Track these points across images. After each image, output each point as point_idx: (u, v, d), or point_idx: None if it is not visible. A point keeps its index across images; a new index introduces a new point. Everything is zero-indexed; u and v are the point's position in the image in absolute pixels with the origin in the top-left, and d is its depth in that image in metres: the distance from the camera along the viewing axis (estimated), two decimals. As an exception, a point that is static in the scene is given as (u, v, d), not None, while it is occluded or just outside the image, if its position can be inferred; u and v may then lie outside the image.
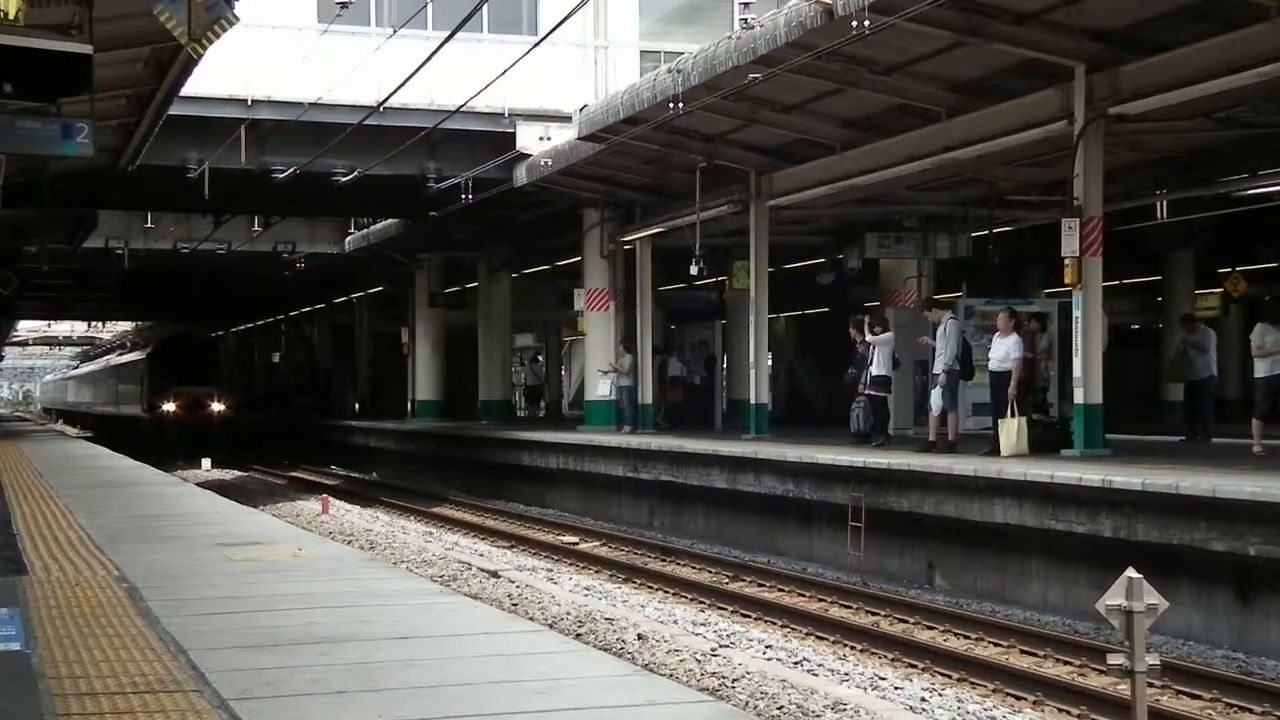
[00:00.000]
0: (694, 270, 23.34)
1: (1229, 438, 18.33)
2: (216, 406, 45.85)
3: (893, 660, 12.03)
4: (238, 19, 11.05)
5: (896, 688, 10.47)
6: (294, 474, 36.71)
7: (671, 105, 18.85)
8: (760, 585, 16.11)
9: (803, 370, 37.03)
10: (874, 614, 14.10)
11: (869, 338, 19.22)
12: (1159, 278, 29.48)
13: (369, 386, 45.89)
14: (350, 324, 48.83)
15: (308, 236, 37.85)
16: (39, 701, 5.72)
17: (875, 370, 19.10)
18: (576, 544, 20.45)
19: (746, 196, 22.53)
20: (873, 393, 19.18)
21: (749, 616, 14.29)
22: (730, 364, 29.26)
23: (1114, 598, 7.45)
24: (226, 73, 22.59)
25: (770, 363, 25.36)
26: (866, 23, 14.42)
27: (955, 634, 12.91)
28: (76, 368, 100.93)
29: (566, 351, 50.91)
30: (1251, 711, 9.98)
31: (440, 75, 21.41)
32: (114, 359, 66.43)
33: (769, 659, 11.23)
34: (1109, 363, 16.63)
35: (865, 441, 18.99)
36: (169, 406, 45.29)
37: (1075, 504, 13.26)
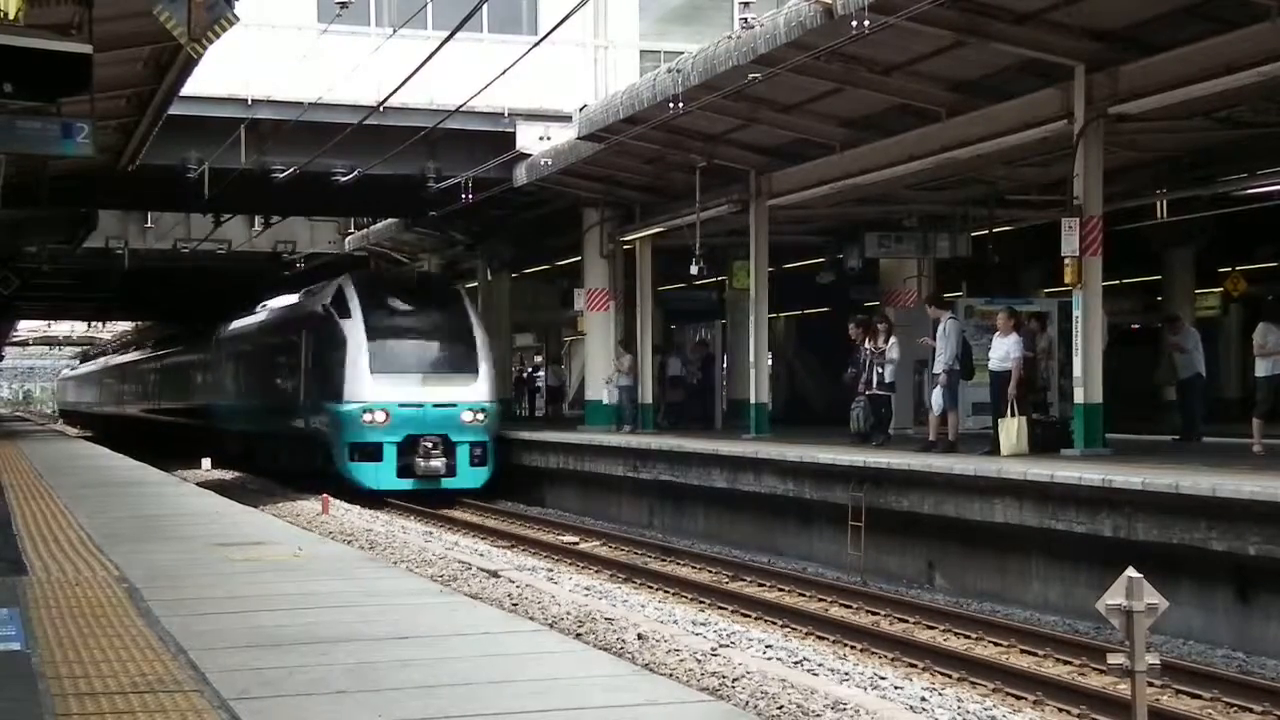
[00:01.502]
0: (694, 270, 23.35)
1: (1229, 437, 18.33)
2: (473, 415, 25.22)
3: (893, 660, 12.03)
4: (238, 19, 11.06)
5: (896, 687, 10.46)
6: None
7: (671, 105, 18.85)
8: (760, 585, 16.11)
9: (803, 370, 37.03)
10: (874, 614, 14.10)
11: (880, 345, 19.25)
12: (1159, 277, 29.47)
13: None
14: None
15: (308, 236, 37.86)
16: (39, 701, 5.72)
17: (889, 378, 19.19)
18: (576, 544, 20.45)
19: (746, 196, 22.53)
20: (879, 393, 19.24)
21: (749, 616, 14.28)
22: (730, 364, 29.27)
23: (1114, 597, 7.46)
24: (226, 73, 22.60)
25: (770, 362, 25.36)
26: (866, 23, 14.43)
27: (955, 634, 12.91)
28: (124, 349, 70.19)
29: (566, 351, 50.92)
30: (1251, 711, 9.97)
31: (440, 75, 21.42)
32: (231, 324, 37.04)
33: (769, 659, 11.21)
34: (1109, 362, 16.64)
35: (865, 441, 19.01)
36: (376, 417, 24.73)
37: (1075, 503, 13.26)
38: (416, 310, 26.33)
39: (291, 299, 31.16)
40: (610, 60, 27.07)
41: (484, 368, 25.74)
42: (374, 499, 24.76)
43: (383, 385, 24.77)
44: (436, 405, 24.88)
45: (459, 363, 25.66)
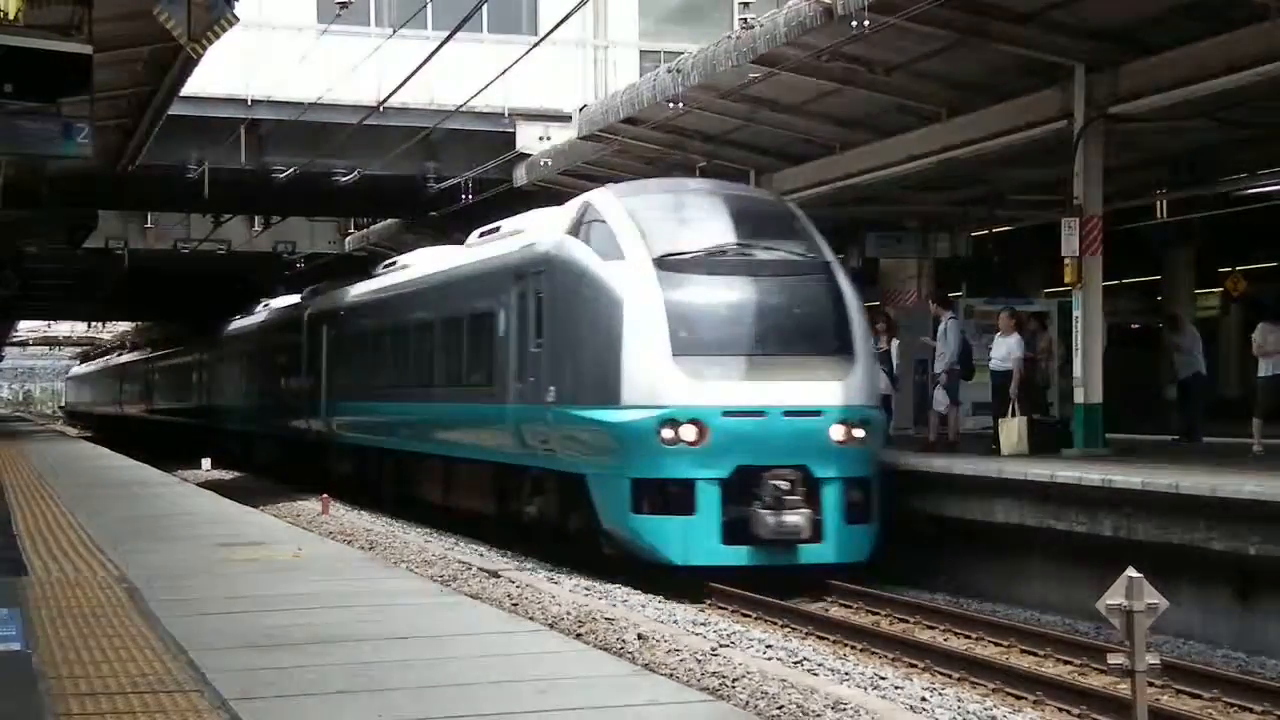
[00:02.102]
0: (694, 270, 23.28)
1: (1229, 437, 18.31)
2: (848, 430, 14.38)
3: (893, 660, 12.02)
4: (238, 19, 11.09)
5: (897, 687, 10.46)
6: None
7: (671, 105, 18.86)
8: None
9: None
10: (874, 614, 14.09)
11: (882, 345, 19.24)
12: (1159, 277, 29.46)
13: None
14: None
15: (308, 236, 37.87)
16: (39, 701, 5.72)
17: (892, 377, 19.21)
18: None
19: (746, 196, 22.51)
20: (883, 393, 19.25)
21: (749, 616, 14.25)
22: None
23: (1114, 597, 7.46)
24: (226, 73, 22.63)
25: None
26: (866, 22, 14.44)
27: (955, 634, 12.90)
28: (153, 342, 58.11)
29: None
30: (1251, 711, 9.96)
31: (440, 75, 21.43)
32: (347, 293, 26.62)
33: (769, 659, 11.22)
34: (1108, 362, 16.65)
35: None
36: (682, 434, 13.91)
37: (1075, 503, 13.26)
38: (735, 243, 15.22)
39: (472, 242, 20.31)
40: (610, 60, 27.08)
41: (861, 346, 15.11)
42: (682, 579, 14.31)
43: (692, 377, 14.18)
44: (788, 413, 14.27)
45: (819, 336, 14.98)
